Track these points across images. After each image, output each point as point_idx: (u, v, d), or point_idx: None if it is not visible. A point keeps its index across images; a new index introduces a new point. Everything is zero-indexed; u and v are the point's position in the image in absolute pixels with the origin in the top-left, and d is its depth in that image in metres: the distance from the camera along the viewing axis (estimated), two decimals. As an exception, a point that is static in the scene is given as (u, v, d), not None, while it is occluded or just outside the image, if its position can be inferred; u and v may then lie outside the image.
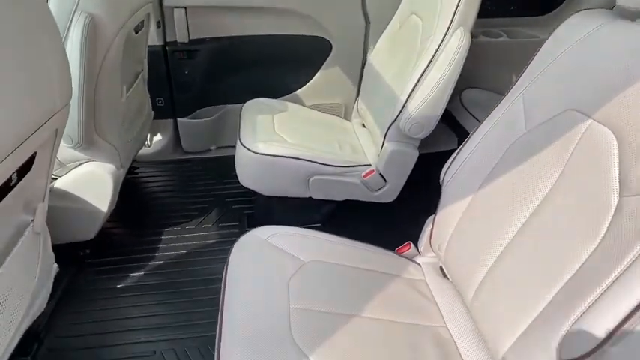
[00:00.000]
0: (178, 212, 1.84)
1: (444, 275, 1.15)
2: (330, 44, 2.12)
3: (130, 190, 1.92)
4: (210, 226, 1.77)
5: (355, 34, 2.09)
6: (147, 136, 2.07)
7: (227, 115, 2.22)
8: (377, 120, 1.72)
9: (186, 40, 1.97)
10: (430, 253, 1.22)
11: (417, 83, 1.48)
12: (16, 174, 0.67)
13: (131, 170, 2.04)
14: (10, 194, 0.67)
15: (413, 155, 1.61)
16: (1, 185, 0.63)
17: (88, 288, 1.45)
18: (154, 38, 1.88)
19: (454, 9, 1.42)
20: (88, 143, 1.34)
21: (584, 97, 0.83)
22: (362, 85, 2.01)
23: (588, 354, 0.67)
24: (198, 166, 2.20)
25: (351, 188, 1.67)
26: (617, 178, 0.73)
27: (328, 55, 2.15)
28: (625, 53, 0.78)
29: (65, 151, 1.33)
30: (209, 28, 1.99)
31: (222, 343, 0.83)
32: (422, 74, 1.47)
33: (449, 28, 1.43)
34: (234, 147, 1.99)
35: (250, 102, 1.92)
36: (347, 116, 2.23)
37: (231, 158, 1.74)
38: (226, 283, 0.97)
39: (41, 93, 0.69)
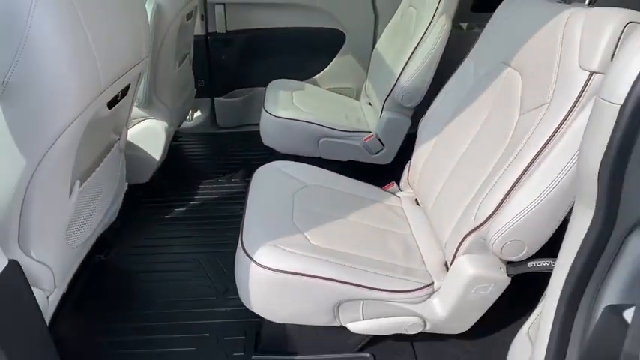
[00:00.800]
0: (213, 170, 2.24)
1: (418, 205, 1.49)
2: (344, 35, 2.49)
3: (174, 154, 2.33)
4: (237, 180, 2.16)
5: (366, 27, 2.45)
6: (190, 110, 2.49)
7: (256, 96, 2.62)
8: (378, 94, 2.07)
9: (224, 31, 2.38)
10: (409, 189, 1.55)
11: (407, 61, 1.82)
12: (120, 93, 1.06)
13: (176, 138, 2.45)
14: (115, 106, 1.06)
15: (406, 123, 1.95)
16: (112, 98, 1.02)
17: (143, 218, 1.86)
18: (198, 29, 2.30)
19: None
20: (148, 102, 1.75)
21: (507, 51, 1.17)
22: (369, 69, 2.37)
23: (487, 219, 1.00)
24: (230, 138, 2.60)
25: (354, 150, 2.02)
26: (519, 103, 1.06)
27: (342, 45, 2.52)
28: (533, 18, 1.11)
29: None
30: (243, 21, 2.40)
31: (243, 227, 1.19)
32: (412, 53, 1.81)
33: (434, 15, 1.77)
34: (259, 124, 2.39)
35: (274, 81, 2.31)
36: (358, 98, 2.58)
37: (257, 133, 2.05)
38: (248, 195, 1.33)
39: (136, 40, 1.08)
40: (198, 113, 2.63)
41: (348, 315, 1.12)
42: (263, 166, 1.46)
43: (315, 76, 2.60)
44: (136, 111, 1.79)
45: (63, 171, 0.93)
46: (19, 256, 0.92)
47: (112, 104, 1.03)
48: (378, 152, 2.02)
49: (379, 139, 1.99)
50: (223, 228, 1.81)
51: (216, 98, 2.58)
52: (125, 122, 1.30)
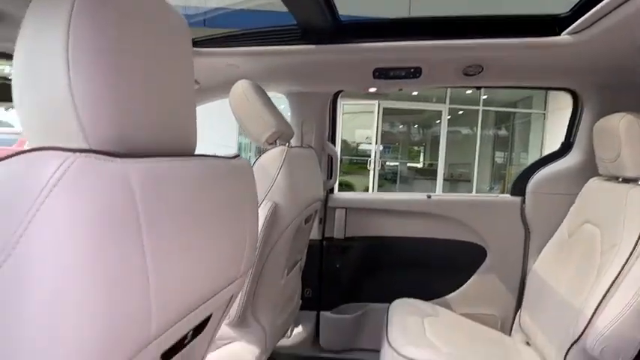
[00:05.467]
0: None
1: None
2: (485, 251, 2.03)
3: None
4: None
5: (513, 243, 1.98)
6: (289, 327, 2.05)
7: (369, 315, 2.13)
8: (549, 338, 1.44)
9: (342, 237, 2.09)
10: None
11: (604, 297, 1.25)
12: (192, 332, 0.68)
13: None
14: (180, 353, 0.66)
15: None
16: (174, 343, 0.63)
17: None
18: (314, 232, 2.05)
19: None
20: (241, 320, 1.37)
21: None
22: (525, 297, 1.80)
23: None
24: (333, 366, 2.04)
25: None
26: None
27: (482, 263, 2.04)
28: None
29: (220, 326, 1.37)
30: (365, 228, 2.11)
31: None
32: (610, 287, 1.25)
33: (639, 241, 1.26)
34: (372, 350, 1.95)
35: (398, 301, 1.83)
36: (503, 330, 1.95)
37: None
38: None
39: (234, 257, 0.74)
40: (299, 329, 2.17)
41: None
42: None
43: (446, 297, 2.08)
44: (224, 330, 1.40)
45: None
46: None
47: (171, 354, 0.63)
48: None
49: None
50: None
51: (322, 312, 2.14)
52: (201, 358, 0.89)
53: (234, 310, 1.32)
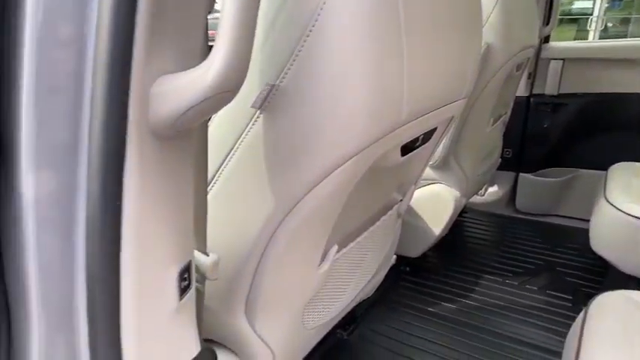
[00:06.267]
0: (500, 265, 1.71)
1: None
2: None
3: (456, 231, 1.93)
4: (535, 289, 1.55)
5: None
6: (485, 183, 2.06)
7: (578, 181, 1.96)
8: None
9: (555, 93, 1.87)
10: None
11: None
12: (422, 137, 0.75)
13: (461, 213, 2.06)
14: (410, 154, 0.75)
15: None
16: (410, 141, 0.70)
17: (400, 299, 1.50)
18: (521, 89, 1.88)
19: None
20: (443, 163, 1.42)
21: None
22: None
23: None
24: (529, 227, 2.01)
25: None
26: None
27: None
28: None
29: (422, 167, 1.46)
30: (583, 83, 1.83)
31: None
32: None
33: None
34: (576, 219, 1.96)
35: (621, 164, 1.61)
36: None
37: (571, 229, 1.89)
38: (581, 347, 0.77)
39: (461, 74, 0.75)
40: (494, 188, 2.16)
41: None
42: (605, 296, 0.87)
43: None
44: (427, 172, 1.49)
45: (319, 227, 0.65)
46: (242, 326, 0.69)
47: (406, 150, 0.71)
48: None
49: None
50: (501, 356, 1.25)
51: (521, 174, 2.06)
52: (415, 179, 0.99)
53: (438, 152, 1.38)
